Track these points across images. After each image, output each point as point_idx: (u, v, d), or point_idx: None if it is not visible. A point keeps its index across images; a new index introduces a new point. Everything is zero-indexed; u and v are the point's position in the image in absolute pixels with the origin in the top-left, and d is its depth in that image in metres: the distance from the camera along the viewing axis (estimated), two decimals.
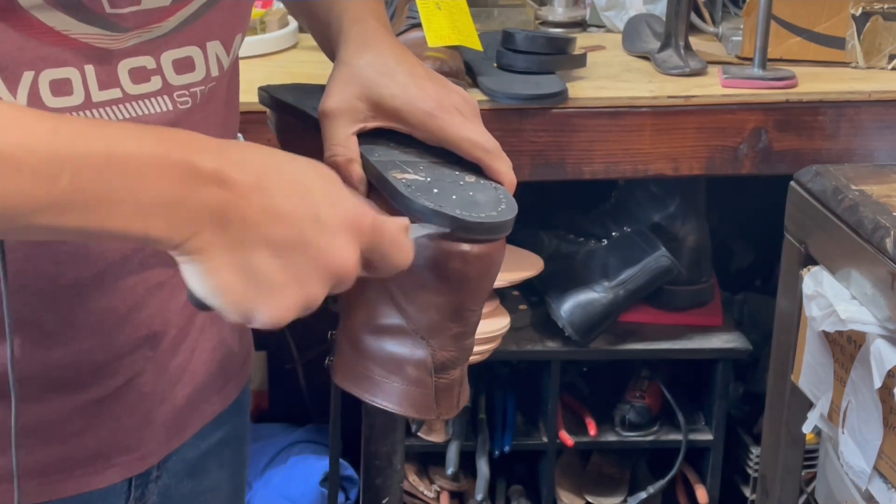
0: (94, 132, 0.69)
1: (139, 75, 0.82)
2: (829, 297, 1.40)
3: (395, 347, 0.92)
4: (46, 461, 0.89)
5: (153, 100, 0.84)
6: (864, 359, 1.35)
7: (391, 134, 0.94)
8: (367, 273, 0.77)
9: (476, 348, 1.90)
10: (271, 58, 1.82)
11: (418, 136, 0.93)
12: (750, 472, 2.02)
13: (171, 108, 0.85)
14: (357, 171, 0.91)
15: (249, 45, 1.81)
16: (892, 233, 1.32)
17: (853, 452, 1.39)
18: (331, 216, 0.73)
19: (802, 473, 1.72)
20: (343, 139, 0.92)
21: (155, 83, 0.83)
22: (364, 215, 0.75)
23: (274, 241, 0.71)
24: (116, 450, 0.92)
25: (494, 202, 0.87)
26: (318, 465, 1.91)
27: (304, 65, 1.79)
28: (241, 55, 1.85)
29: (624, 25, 1.96)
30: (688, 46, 1.80)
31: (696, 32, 1.95)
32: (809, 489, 1.81)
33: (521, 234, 1.99)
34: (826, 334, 1.45)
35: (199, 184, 0.70)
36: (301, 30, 1.89)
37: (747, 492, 2.03)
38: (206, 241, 0.70)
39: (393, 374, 0.93)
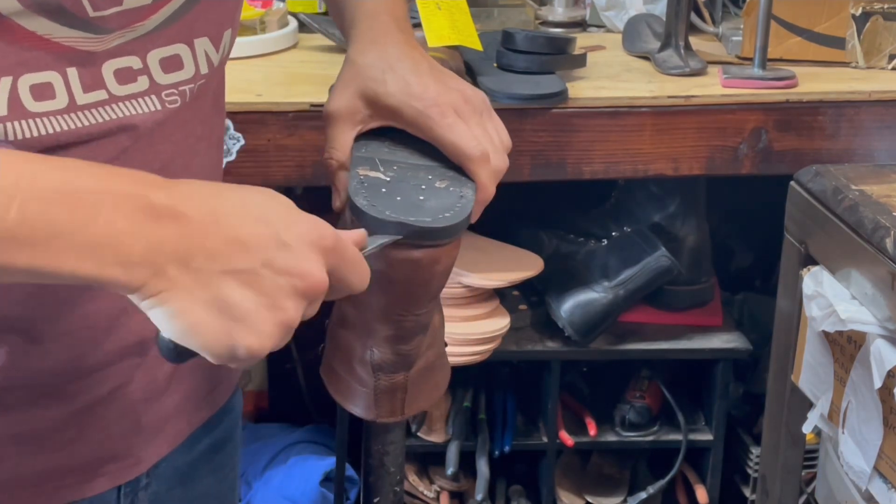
0: (46, 167, 0.68)
1: (125, 76, 0.80)
2: (829, 297, 1.40)
3: (349, 341, 0.92)
4: (39, 470, 0.87)
5: (140, 100, 0.82)
6: (864, 359, 1.35)
7: (396, 131, 0.94)
8: (325, 296, 0.75)
9: (476, 348, 1.92)
10: (271, 58, 1.82)
11: (414, 133, 0.92)
12: (750, 472, 2.02)
13: (159, 107, 0.83)
14: (342, 179, 0.91)
15: (249, 45, 1.81)
16: (892, 233, 1.32)
17: (853, 452, 1.39)
18: (292, 236, 0.72)
19: (802, 473, 1.72)
20: (340, 143, 0.92)
21: (142, 83, 0.82)
22: (325, 234, 0.74)
23: (241, 270, 0.70)
24: (106, 458, 0.91)
25: (441, 210, 0.85)
26: (318, 465, 1.91)
27: (304, 65, 1.79)
28: (241, 55, 1.85)
29: (624, 25, 1.96)
30: (688, 46, 1.80)
31: (696, 32, 1.95)
32: (809, 489, 1.81)
33: (521, 234, 1.99)
34: (826, 334, 1.45)
35: (154, 219, 0.68)
36: (301, 30, 1.89)
37: (747, 492, 2.03)
38: (170, 279, 0.68)
39: (345, 367, 0.93)
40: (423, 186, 0.88)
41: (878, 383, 1.31)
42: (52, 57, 0.76)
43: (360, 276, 0.77)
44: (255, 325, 0.70)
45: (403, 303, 0.87)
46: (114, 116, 0.80)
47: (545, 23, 2.03)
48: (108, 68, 0.79)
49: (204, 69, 0.86)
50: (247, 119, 1.61)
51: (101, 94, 0.79)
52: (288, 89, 1.67)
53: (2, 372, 0.82)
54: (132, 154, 0.82)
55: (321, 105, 1.61)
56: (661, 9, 1.95)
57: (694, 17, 1.91)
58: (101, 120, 0.79)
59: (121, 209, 0.67)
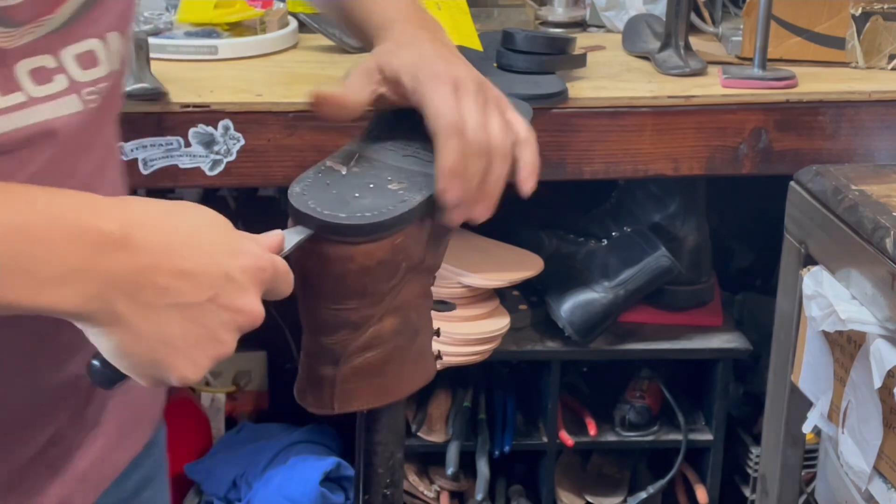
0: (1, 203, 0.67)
1: (41, 76, 0.77)
2: (829, 297, 1.40)
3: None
4: None
5: (61, 101, 0.79)
6: (864, 359, 1.35)
7: (408, 125, 0.93)
8: None
9: (476, 348, 1.92)
10: (271, 58, 1.82)
11: (412, 103, 0.90)
12: (750, 472, 2.02)
13: (80, 108, 0.80)
14: (351, 100, 0.89)
15: (249, 45, 1.81)
16: (892, 233, 1.32)
17: (853, 452, 1.39)
18: (238, 271, 0.73)
19: (802, 473, 1.72)
20: (352, 85, 0.90)
21: (60, 82, 0.79)
22: (264, 266, 0.75)
23: (187, 304, 0.71)
24: None
25: (368, 209, 0.85)
26: (318, 465, 1.91)
27: (304, 65, 1.79)
28: (241, 55, 1.85)
29: (624, 25, 1.96)
30: (688, 46, 1.80)
31: (696, 32, 1.95)
32: (809, 489, 1.81)
33: (521, 234, 1.99)
34: (826, 334, 1.45)
35: (106, 251, 0.68)
36: (301, 30, 1.89)
37: (747, 492, 2.03)
38: (120, 310, 0.69)
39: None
40: (372, 185, 0.88)
41: (877, 383, 1.31)
42: None
43: (286, 286, 0.78)
44: (193, 356, 0.72)
45: (315, 294, 0.88)
46: (35, 120, 0.77)
47: (545, 23, 2.03)
48: (23, 68, 0.76)
49: (116, 65, 0.84)
50: (247, 119, 1.61)
51: (18, 97, 0.76)
52: (288, 89, 1.67)
53: None
54: (57, 164, 0.80)
55: None
56: (661, 9, 1.95)
57: (694, 17, 1.91)
58: (21, 125, 0.77)
59: (74, 244, 0.68)
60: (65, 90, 0.79)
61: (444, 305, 1.01)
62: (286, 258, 0.80)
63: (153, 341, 0.70)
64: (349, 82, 0.90)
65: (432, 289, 0.96)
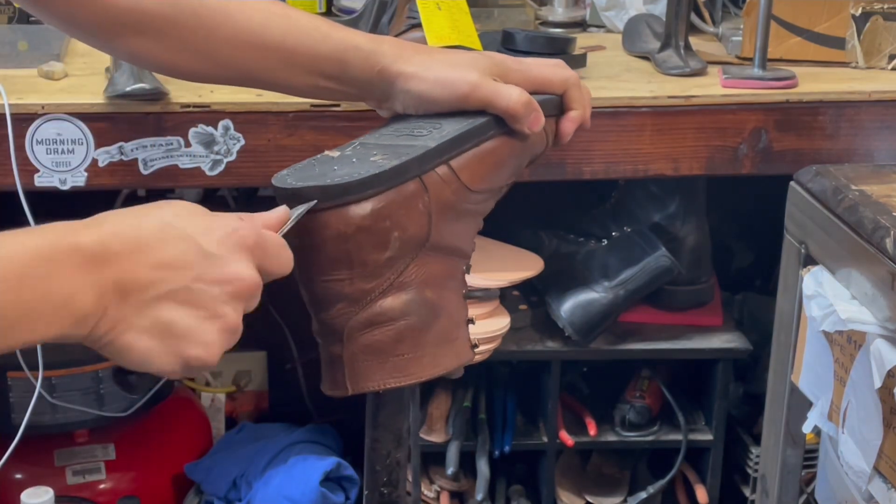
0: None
1: None
2: (829, 297, 1.40)
3: None
4: None
5: None
6: (864, 359, 1.35)
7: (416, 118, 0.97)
8: None
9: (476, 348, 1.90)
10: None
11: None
12: (750, 472, 2.02)
13: None
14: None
15: None
16: (892, 233, 1.32)
17: (853, 452, 1.39)
18: (214, 244, 0.76)
19: (802, 473, 1.72)
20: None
21: None
22: (245, 233, 0.78)
23: (174, 290, 0.74)
24: None
25: (338, 176, 0.87)
26: (318, 465, 1.91)
27: None
28: None
29: (624, 25, 1.96)
30: (688, 46, 1.80)
31: (696, 32, 1.95)
32: (809, 489, 1.81)
33: (521, 234, 1.99)
34: (826, 334, 1.45)
35: (91, 267, 0.72)
36: None
37: (747, 492, 2.03)
38: (113, 318, 0.72)
39: None
40: (355, 160, 0.89)
41: (878, 383, 1.31)
42: None
43: (282, 262, 0.81)
44: (199, 337, 0.74)
45: (305, 269, 0.89)
46: None
47: (545, 23, 2.03)
48: None
49: None
50: (247, 119, 1.61)
51: None
52: None
53: None
54: None
55: (321, 105, 1.62)
56: (661, 9, 1.95)
57: (694, 17, 1.91)
58: None
59: (65, 269, 0.71)
60: None
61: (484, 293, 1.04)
62: (285, 237, 0.83)
63: (155, 333, 0.73)
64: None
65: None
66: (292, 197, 0.86)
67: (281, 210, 0.83)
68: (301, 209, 0.84)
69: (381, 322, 0.90)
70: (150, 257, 0.74)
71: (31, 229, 0.74)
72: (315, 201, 0.85)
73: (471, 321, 0.99)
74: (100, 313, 0.72)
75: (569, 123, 1.05)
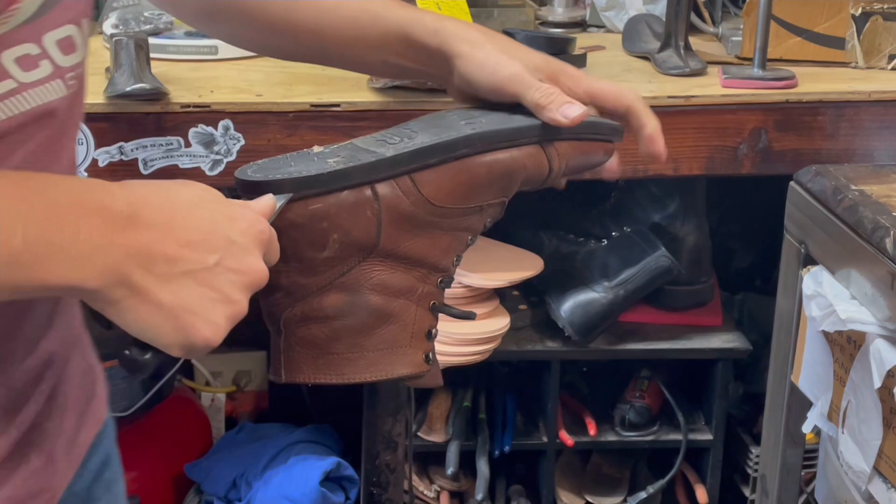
0: (32, 188, 0.72)
1: (27, 62, 0.80)
2: (829, 297, 1.40)
3: None
4: None
5: (48, 86, 0.82)
6: (863, 359, 1.35)
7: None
8: None
9: (476, 348, 1.92)
10: (271, 58, 1.82)
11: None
12: (750, 472, 2.02)
13: (65, 92, 0.84)
14: None
15: None
16: (892, 233, 1.32)
17: (853, 452, 1.39)
18: (237, 233, 0.79)
19: (802, 473, 1.72)
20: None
21: (45, 68, 0.82)
22: (262, 228, 0.81)
23: (197, 270, 0.76)
24: (29, 495, 0.90)
25: (285, 172, 0.88)
26: (318, 465, 1.91)
27: (304, 65, 1.78)
28: (241, 55, 1.84)
29: (624, 25, 1.96)
30: (688, 46, 1.80)
31: (696, 32, 1.95)
32: (809, 489, 1.81)
33: (521, 234, 1.99)
34: (826, 334, 1.45)
35: (120, 230, 0.73)
36: None
37: (747, 492, 2.03)
38: (137, 282, 0.74)
39: None
40: (315, 159, 0.90)
41: (877, 383, 1.31)
42: None
43: (276, 254, 0.85)
44: (211, 318, 0.77)
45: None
46: (28, 106, 0.81)
47: (545, 23, 2.03)
48: (9, 57, 0.79)
49: (86, 52, 0.87)
50: (247, 119, 1.61)
51: (9, 84, 0.79)
52: (288, 89, 1.67)
53: None
54: (47, 148, 0.83)
55: (321, 105, 1.62)
56: (661, 9, 1.95)
57: (694, 18, 1.91)
58: (15, 111, 0.80)
59: (94, 223, 0.73)
60: (49, 75, 0.82)
61: (465, 313, 1.01)
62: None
63: (173, 308, 0.75)
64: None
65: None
66: (242, 187, 0.89)
67: (269, 199, 0.85)
68: (283, 201, 0.87)
69: (316, 318, 0.91)
70: (181, 234, 0.76)
71: (66, 177, 0.76)
72: (291, 194, 0.87)
73: (428, 334, 0.96)
74: (120, 276, 0.73)
75: (648, 144, 1.01)
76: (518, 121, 0.97)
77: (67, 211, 0.72)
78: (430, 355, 0.96)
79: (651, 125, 1.01)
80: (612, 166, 1.04)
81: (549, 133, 0.97)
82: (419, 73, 1.05)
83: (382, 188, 0.90)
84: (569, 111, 0.95)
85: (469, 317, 1.01)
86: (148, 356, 0.79)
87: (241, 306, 0.78)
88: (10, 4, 0.79)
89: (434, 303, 0.96)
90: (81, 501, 0.99)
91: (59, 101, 0.83)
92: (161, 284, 0.75)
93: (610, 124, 1.02)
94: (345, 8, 1.03)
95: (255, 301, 0.87)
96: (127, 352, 0.79)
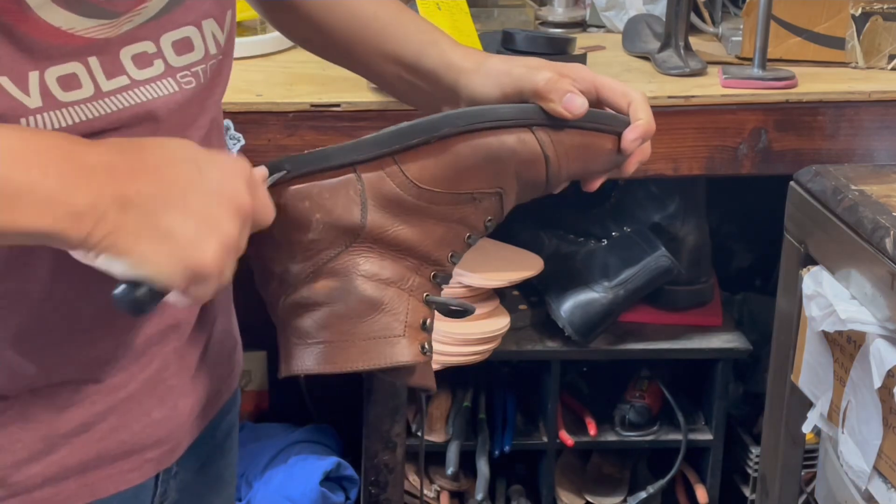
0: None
1: (142, 60, 0.84)
2: (829, 297, 1.40)
3: None
4: (85, 459, 0.90)
5: (159, 83, 0.85)
6: (863, 359, 1.35)
7: None
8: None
9: (476, 348, 1.92)
10: (272, 58, 1.82)
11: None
12: (750, 472, 2.02)
13: (176, 89, 0.87)
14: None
15: (249, 45, 1.81)
16: (892, 233, 1.32)
17: (853, 452, 1.39)
18: (215, 167, 0.79)
19: (802, 473, 1.72)
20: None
21: (158, 67, 0.85)
22: (243, 165, 0.82)
23: (176, 202, 0.76)
24: (149, 444, 0.94)
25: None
26: (318, 465, 1.91)
27: (304, 65, 1.79)
28: (241, 55, 1.85)
29: (624, 25, 1.96)
30: (688, 46, 1.80)
31: (696, 32, 1.95)
32: (809, 489, 1.81)
33: (521, 234, 1.99)
34: (826, 334, 1.45)
35: (91, 172, 0.73)
36: None
37: (747, 492, 2.03)
38: (112, 223, 0.73)
39: None
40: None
41: (877, 383, 1.31)
42: (72, 48, 0.80)
43: (267, 208, 0.84)
44: (200, 244, 0.76)
45: (249, 242, 0.92)
46: (136, 101, 0.84)
47: (545, 23, 2.03)
48: (126, 54, 0.83)
49: (213, 50, 0.90)
50: (247, 119, 1.61)
51: (123, 80, 0.83)
52: (288, 89, 1.67)
53: (52, 368, 0.86)
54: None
55: (321, 105, 1.62)
56: (661, 9, 1.95)
57: (694, 18, 1.91)
58: (126, 105, 0.83)
59: (63, 166, 0.73)
60: (161, 74, 0.86)
61: (461, 312, 0.99)
62: None
63: (155, 237, 0.75)
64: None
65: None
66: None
67: (261, 169, 0.87)
68: (274, 176, 0.88)
69: (307, 305, 0.91)
70: (154, 173, 0.76)
71: (39, 130, 0.77)
72: (285, 171, 0.88)
73: (423, 325, 0.95)
74: (97, 215, 0.73)
75: (631, 131, 0.99)
76: (507, 105, 0.95)
77: (34, 154, 0.72)
78: (426, 345, 0.95)
79: (645, 118, 0.99)
80: (628, 136, 1.00)
81: (541, 117, 0.95)
82: (427, 94, 1.05)
83: (365, 169, 0.90)
84: (570, 99, 0.95)
85: (466, 309, 0.99)
86: (143, 290, 0.76)
87: (232, 233, 0.78)
88: (140, 3, 0.82)
89: (428, 295, 0.95)
90: (201, 462, 1.03)
91: (166, 97, 0.85)
92: (140, 219, 0.74)
93: (614, 115, 0.99)
94: (381, 18, 1.05)
95: (253, 301, 0.87)
96: (117, 291, 0.76)
